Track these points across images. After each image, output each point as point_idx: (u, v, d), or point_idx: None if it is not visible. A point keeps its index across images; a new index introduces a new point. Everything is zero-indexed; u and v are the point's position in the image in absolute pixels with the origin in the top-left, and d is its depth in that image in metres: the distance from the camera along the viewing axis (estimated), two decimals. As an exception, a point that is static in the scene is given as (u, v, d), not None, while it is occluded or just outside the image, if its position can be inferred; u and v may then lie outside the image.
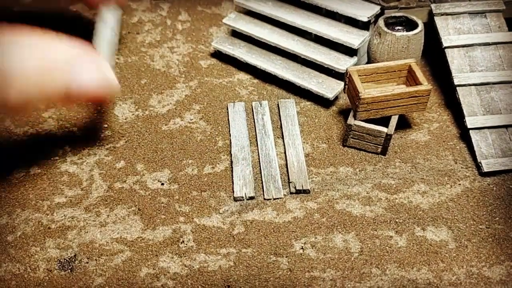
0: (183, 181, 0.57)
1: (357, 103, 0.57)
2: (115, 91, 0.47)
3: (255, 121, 0.63)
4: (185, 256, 0.50)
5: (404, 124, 0.62)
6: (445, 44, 0.63)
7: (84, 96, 0.46)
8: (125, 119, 0.64)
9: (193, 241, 0.51)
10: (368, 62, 0.67)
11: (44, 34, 0.45)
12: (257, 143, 0.60)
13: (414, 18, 0.63)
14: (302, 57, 0.66)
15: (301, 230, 0.52)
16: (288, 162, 0.58)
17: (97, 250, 0.50)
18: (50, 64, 0.43)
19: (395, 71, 0.60)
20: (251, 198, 0.54)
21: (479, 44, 0.63)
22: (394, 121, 0.58)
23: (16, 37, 0.43)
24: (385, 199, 0.54)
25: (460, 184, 0.56)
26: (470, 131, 0.58)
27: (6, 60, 0.41)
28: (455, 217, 0.53)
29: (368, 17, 0.63)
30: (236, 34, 0.73)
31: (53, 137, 0.61)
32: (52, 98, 0.45)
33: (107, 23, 0.58)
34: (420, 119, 0.63)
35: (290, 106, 0.64)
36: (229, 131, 0.62)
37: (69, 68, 0.44)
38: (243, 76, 0.70)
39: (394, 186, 0.56)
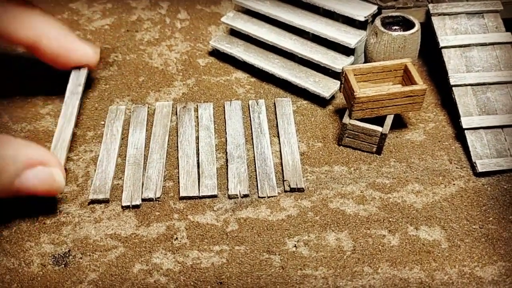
0: (178, 178, 0.57)
1: (352, 102, 0.57)
2: (59, 192, 0.52)
3: (251, 119, 0.63)
4: (178, 253, 0.50)
5: (400, 123, 0.62)
6: (442, 44, 0.63)
7: (25, 194, 0.49)
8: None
9: (187, 238, 0.51)
10: (365, 62, 0.67)
11: None
12: (252, 142, 0.60)
13: (411, 18, 0.63)
14: (299, 56, 0.67)
15: (295, 228, 0.52)
16: (283, 160, 0.58)
17: (91, 246, 0.50)
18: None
19: (391, 71, 0.60)
20: (245, 196, 0.55)
21: (476, 45, 0.63)
22: (389, 120, 0.58)
23: None
24: (379, 198, 0.54)
25: (454, 184, 0.56)
26: (466, 131, 0.58)
27: None
28: (449, 217, 0.53)
29: (365, 17, 0.64)
30: (234, 33, 0.73)
31: (50, 134, 0.61)
32: None
33: (75, 89, 0.62)
34: (416, 119, 0.63)
35: (287, 105, 0.65)
36: (225, 129, 0.62)
37: (19, 173, 0.47)
38: (240, 74, 0.70)
39: (388, 185, 0.56)
